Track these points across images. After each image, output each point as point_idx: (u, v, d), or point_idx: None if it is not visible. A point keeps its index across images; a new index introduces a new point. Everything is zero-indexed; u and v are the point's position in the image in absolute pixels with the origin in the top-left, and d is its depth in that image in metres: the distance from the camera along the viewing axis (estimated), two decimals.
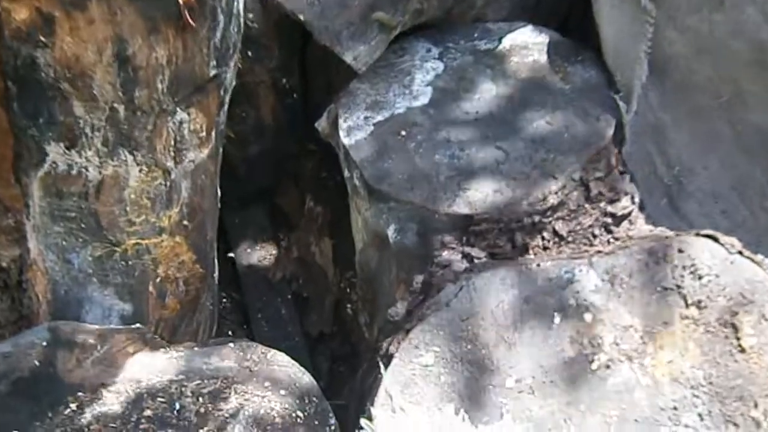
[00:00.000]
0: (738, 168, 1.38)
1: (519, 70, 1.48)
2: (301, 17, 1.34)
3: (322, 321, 1.99)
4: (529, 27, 1.59)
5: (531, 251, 1.21)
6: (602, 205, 1.24)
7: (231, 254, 2.06)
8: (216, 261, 1.54)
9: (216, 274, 1.55)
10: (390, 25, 1.40)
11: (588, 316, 1.10)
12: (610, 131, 1.32)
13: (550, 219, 1.22)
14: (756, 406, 1.08)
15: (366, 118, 1.42)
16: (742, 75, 1.25)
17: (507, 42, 1.56)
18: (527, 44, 1.54)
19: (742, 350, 1.11)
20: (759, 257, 1.19)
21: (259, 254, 2.10)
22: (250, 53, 1.82)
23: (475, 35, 1.59)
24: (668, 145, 1.44)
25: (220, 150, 1.42)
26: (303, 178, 2.11)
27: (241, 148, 1.99)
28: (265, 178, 2.15)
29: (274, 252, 2.11)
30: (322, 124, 1.51)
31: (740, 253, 1.17)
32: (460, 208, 1.22)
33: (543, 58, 1.50)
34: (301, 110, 1.98)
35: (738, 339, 1.11)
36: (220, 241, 2.04)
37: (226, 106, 1.35)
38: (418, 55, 1.55)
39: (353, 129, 1.41)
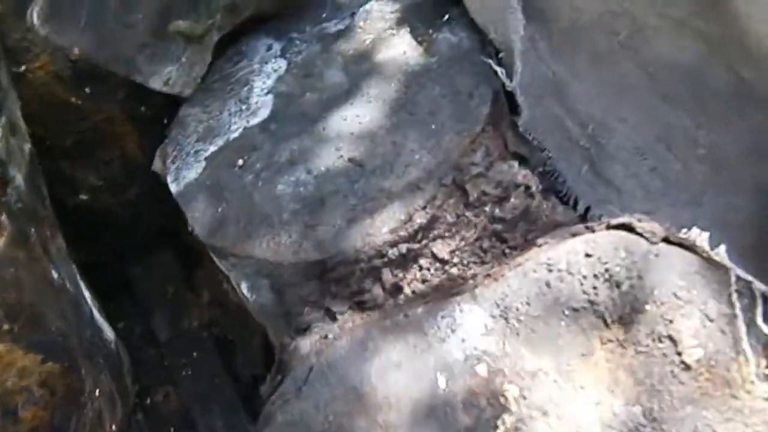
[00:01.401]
0: (659, 115, 1.11)
1: (375, 51, 1.20)
2: (76, 52, 1.06)
3: (252, 363, 1.78)
4: None
5: (408, 288, 0.94)
6: (487, 209, 0.97)
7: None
8: (101, 331, 1.33)
9: (111, 344, 1.33)
10: (196, 34, 1.11)
11: (482, 369, 0.85)
12: (486, 109, 1.04)
13: (425, 242, 0.96)
14: None
15: (197, 152, 1.15)
16: (634, 8, 0.97)
17: (360, 17, 1.27)
18: (383, 14, 1.26)
19: (687, 367, 0.85)
20: (692, 236, 0.93)
21: (170, 303, 1.88)
22: (88, 90, 1.54)
23: (324, 16, 1.30)
24: (575, 101, 1.17)
25: (33, 230, 1.17)
26: None
27: (115, 195, 1.75)
28: (160, 219, 1.90)
29: (187, 297, 1.89)
30: (157, 165, 1.24)
31: (666, 240, 0.90)
32: (308, 253, 0.95)
33: (403, 28, 1.22)
34: None
35: (679, 354, 0.86)
36: (125, 296, 1.84)
37: (15, 181, 1.09)
38: (257, 56, 1.27)
39: (182, 170, 1.14)
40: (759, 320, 0.87)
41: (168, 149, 1.18)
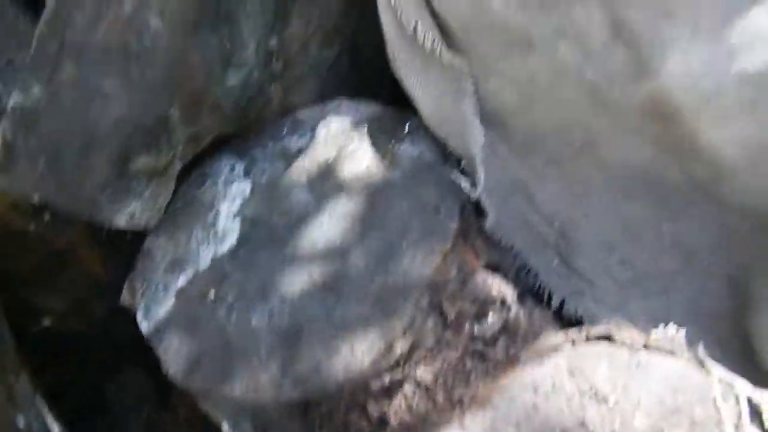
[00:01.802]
0: (622, 210, 1.14)
1: (338, 167, 1.21)
2: (36, 199, 1.04)
3: None
4: (344, 104, 1.32)
5: (394, 419, 0.92)
6: (467, 327, 0.97)
7: None
8: None
9: None
10: (159, 168, 1.11)
11: None
12: (454, 223, 1.05)
13: (407, 369, 0.94)
14: None
15: (166, 286, 1.13)
16: (586, 118, 1.01)
17: (321, 131, 1.29)
18: (343, 128, 1.28)
19: None
20: (669, 336, 0.94)
21: (146, 423, 1.82)
22: (47, 217, 1.51)
23: (285, 132, 1.32)
24: (539, 201, 1.19)
25: None
26: None
27: (81, 317, 1.71)
28: (130, 336, 1.85)
29: (164, 416, 1.83)
30: (125, 299, 1.21)
31: (646, 346, 0.91)
32: (290, 392, 0.93)
33: (364, 142, 1.23)
34: None
35: None
36: (99, 417, 1.78)
37: None
38: (221, 178, 1.27)
39: (151, 307, 1.11)
40: (746, 424, 0.87)
41: (136, 283, 1.15)
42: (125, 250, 1.74)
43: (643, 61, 0.81)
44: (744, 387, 0.89)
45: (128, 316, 1.83)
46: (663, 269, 1.12)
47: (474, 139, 1.12)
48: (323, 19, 1.28)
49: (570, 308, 1.16)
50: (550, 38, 0.90)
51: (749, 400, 0.88)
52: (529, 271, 1.16)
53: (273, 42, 1.19)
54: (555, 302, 1.15)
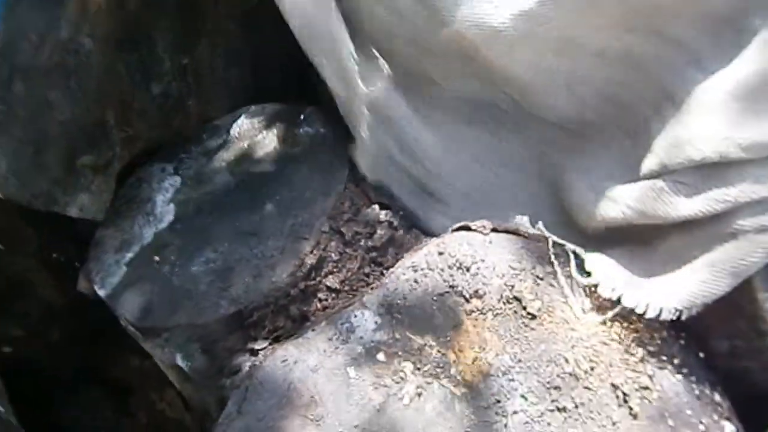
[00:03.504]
0: (466, 137, 1.37)
1: (252, 152, 1.48)
2: (1, 196, 1.26)
3: None
4: (251, 108, 1.60)
5: (312, 317, 1.17)
6: (362, 243, 1.23)
7: None
8: None
9: None
10: (100, 165, 1.35)
11: (381, 356, 1.07)
12: (344, 172, 1.33)
13: (318, 278, 1.19)
14: (567, 361, 1.08)
15: (117, 261, 1.35)
16: (422, 64, 1.27)
17: (235, 131, 1.56)
18: (253, 124, 1.55)
19: (533, 317, 1.12)
20: (513, 225, 1.23)
21: None
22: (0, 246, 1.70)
23: (205, 136, 1.58)
24: (404, 137, 1.37)
25: None
26: (127, 338, 1.99)
27: (38, 342, 1.85)
28: (85, 357, 2.00)
29: (124, 422, 1.96)
30: (82, 285, 1.41)
31: (494, 230, 1.19)
32: (227, 308, 1.16)
33: (270, 132, 1.51)
34: None
35: (525, 308, 1.12)
36: None
37: None
38: (155, 178, 1.51)
39: (106, 277, 1.33)
40: (574, 272, 1.16)
41: (90, 266, 1.37)
42: (75, 276, 1.92)
43: (440, 13, 1.12)
44: (571, 247, 1.18)
45: (85, 338, 1.99)
46: (505, 184, 1.38)
47: (344, 55, 1.33)
48: (227, 42, 1.57)
49: (430, 226, 1.36)
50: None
51: (576, 255, 1.17)
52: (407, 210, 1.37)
53: (185, 60, 1.47)
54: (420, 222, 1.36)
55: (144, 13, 1.33)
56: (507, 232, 1.19)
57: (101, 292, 1.30)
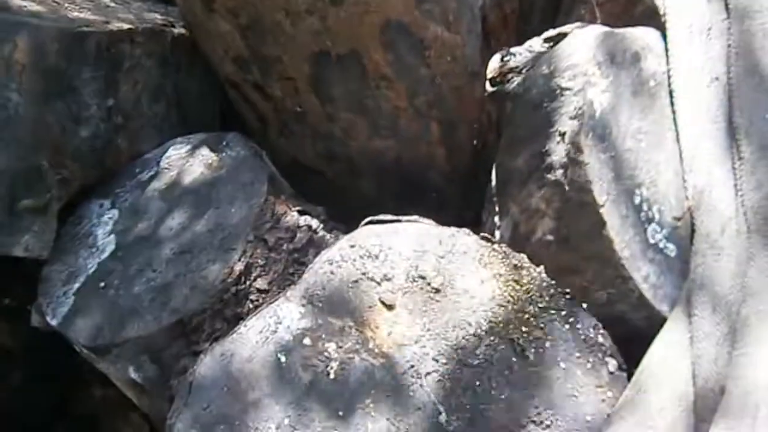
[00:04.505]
0: None
1: (181, 179, 1.62)
2: None
3: None
4: (177, 140, 1.74)
5: (245, 317, 1.31)
6: (285, 247, 1.39)
7: None
8: None
9: None
10: (40, 206, 1.47)
11: (306, 340, 1.22)
12: (264, 187, 1.48)
13: (248, 282, 1.34)
14: (470, 324, 1.25)
15: (65, 292, 1.47)
16: None
17: (164, 162, 1.70)
18: (180, 154, 1.69)
19: (437, 290, 1.28)
20: (414, 217, 1.39)
21: None
22: None
23: (137, 170, 1.71)
24: None
25: None
26: (86, 369, 2.08)
27: (3, 390, 1.93)
28: (47, 394, 2.08)
29: None
30: (35, 320, 1.53)
31: (398, 221, 1.36)
32: (169, 318, 1.30)
33: (196, 160, 1.65)
34: None
35: (429, 284, 1.29)
36: None
37: None
38: (94, 214, 1.64)
39: (56, 308, 1.45)
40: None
41: (41, 301, 1.48)
42: (27, 320, 2.01)
43: None
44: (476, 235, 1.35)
45: (46, 377, 2.07)
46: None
47: None
48: (147, 81, 1.71)
49: None
50: None
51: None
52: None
53: (110, 102, 1.61)
54: None
55: (65, 65, 1.46)
56: (409, 221, 1.35)
57: (53, 322, 1.42)
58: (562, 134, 1.26)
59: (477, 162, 1.93)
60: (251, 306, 1.32)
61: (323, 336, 1.23)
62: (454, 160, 1.87)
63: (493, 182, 1.61)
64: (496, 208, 1.60)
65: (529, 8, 1.84)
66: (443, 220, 1.92)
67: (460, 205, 2.03)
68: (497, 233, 1.57)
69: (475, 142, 1.88)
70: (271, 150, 1.78)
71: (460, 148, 1.85)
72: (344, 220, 1.72)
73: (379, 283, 1.28)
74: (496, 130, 1.89)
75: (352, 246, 1.31)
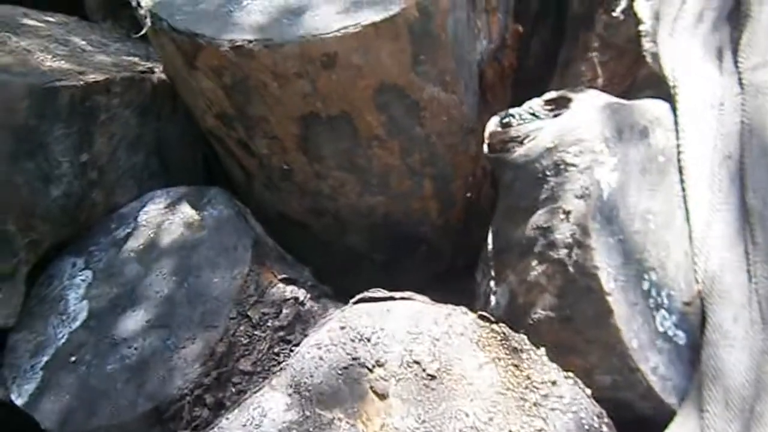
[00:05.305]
0: None
1: (159, 240, 1.53)
2: None
3: None
4: (156, 194, 1.64)
5: (228, 401, 1.22)
6: (270, 324, 1.30)
7: None
8: None
9: None
10: (6, 273, 1.37)
11: None
12: (249, 254, 1.39)
13: (231, 364, 1.25)
14: (467, 415, 1.17)
15: (32, 366, 1.37)
16: None
17: (142, 218, 1.60)
18: (159, 211, 1.60)
19: (433, 377, 1.20)
20: (407, 293, 1.32)
21: None
22: None
23: (113, 226, 1.62)
24: None
25: None
26: None
27: None
28: None
29: None
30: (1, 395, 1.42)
31: (392, 298, 1.28)
32: (144, 405, 1.21)
33: (176, 217, 1.56)
34: None
35: (424, 370, 1.21)
36: None
37: None
38: (66, 274, 1.54)
39: (22, 384, 1.34)
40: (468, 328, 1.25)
41: (5, 373, 1.38)
42: None
43: None
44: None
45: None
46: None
47: None
48: (125, 132, 1.62)
49: None
50: None
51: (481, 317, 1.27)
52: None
53: (84, 158, 1.51)
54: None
55: (36, 123, 1.37)
56: (403, 299, 1.27)
57: (18, 402, 1.32)
58: (567, 212, 1.19)
59: (470, 214, 1.87)
60: (234, 390, 1.23)
61: (311, 430, 1.14)
62: (447, 213, 1.80)
63: (490, 246, 1.53)
64: (492, 273, 1.52)
65: (525, 58, 1.77)
66: (434, 270, 1.85)
67: (452, 255, 1.97)
68: (493, 298, 1.50)
69: (468, 194, 1.81)
70: (256, 202, 1.70)
71: (453, 202, 1.78)
72: (332, 277, 1.65)
73: (371, 370, 1.20)
74: (491, 183, 1.82)
75: (343, 327, 1.23)
